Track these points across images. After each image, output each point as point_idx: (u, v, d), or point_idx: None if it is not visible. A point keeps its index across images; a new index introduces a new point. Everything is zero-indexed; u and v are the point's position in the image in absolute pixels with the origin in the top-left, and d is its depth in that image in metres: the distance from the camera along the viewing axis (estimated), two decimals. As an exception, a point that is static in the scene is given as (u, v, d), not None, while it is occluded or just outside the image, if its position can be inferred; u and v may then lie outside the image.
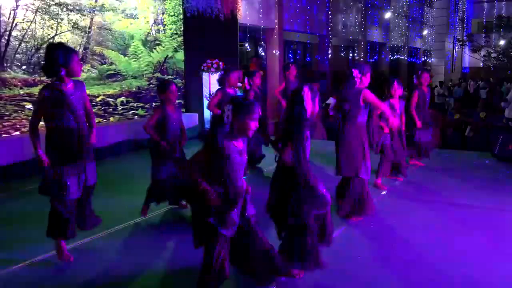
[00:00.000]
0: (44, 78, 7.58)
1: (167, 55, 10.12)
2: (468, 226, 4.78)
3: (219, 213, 2.98)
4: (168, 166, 4.79)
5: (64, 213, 3.74)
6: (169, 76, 10.12)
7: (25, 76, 7.40)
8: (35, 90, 7.40)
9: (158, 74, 9.83)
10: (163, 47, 10.02)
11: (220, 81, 6.56)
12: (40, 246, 4.07)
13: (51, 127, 3.64)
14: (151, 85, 9.68)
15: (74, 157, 3.66)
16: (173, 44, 10.27)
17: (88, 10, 8.30)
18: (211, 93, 10.04)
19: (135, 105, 9.42)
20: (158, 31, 9.92)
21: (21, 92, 7.31)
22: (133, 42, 9.32)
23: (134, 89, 9.42)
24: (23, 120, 7.31)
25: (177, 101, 5.36)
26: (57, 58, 3.49)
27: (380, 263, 3.91)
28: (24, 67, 7.39)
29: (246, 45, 14.64)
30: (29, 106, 7.38)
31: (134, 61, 9.40)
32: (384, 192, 5.94)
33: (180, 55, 10.44)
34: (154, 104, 9.56)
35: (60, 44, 3.71)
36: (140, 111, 9.46)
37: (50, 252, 3.98)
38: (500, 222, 4.94)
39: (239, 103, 2.98)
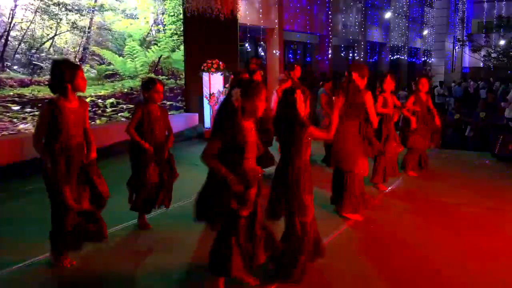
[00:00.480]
0: (40, 78, 7.55)
1: (161, 55, 10.03)
2: (468, 226, 4.78)
3: (239, 196, 3.03)
4: (153, 169, 4.52)
5: (66, 226, 3.71)
6: (163, 77, 10.02)
7: (23, 76, 7.36)
8: (26, 91, 7.34)
9: (152, 75, 9.72)
10: (159, 46, 9.94)
11: (232, 85, 6.42)
12: (40, 246, 4.07)
13: (51, 141, 3.67)
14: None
15: (72, 171, 3.69)
16: (170, 44, 10.20)
17: (87, 10, 8.28)
18: (211, 93, 10.04)
19: (124, 106, 9.17)
20: (158, 31, 9.92)
21: (11, 93, 7.21)
22: (128, 43, 9.23)
23: (126, 90, 9.24)
24: (6, 123, 7.15)
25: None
26: (63, 74, 3.58)
27: (380, 263, 3.91)
28: (16, 67, 7.31)
29: (246, 45, 14.65)
30: (16, 107, 7.25)
31: (130, 61, 9.33)
32: (384, 192, 5.94)
33: (177, 55, 10.38)
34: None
35: (65, 60, 3.80)
36: (126, 113, 9.16)
37: (50, 252, 3.98)
38: (500, 222, 4.94)
39: (246, 84, 3.06)
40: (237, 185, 3.01)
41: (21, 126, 7.33)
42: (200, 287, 3.51)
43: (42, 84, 7.58)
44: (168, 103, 10.16)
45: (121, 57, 9.11)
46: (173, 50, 10.29)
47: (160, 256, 4.08)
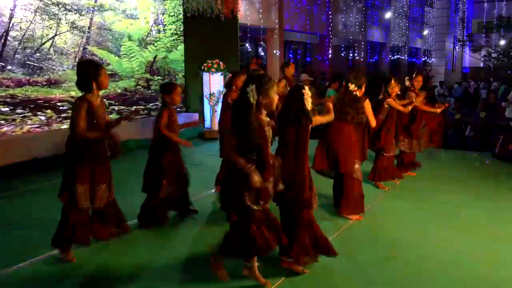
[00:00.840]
0: (39, 79, 7.47)
1: (156, 55, 9.81)
2: (468, 226, 4.78)
3: (256, 190, 3.11)
4: (173, 179, 4.69)
5: (73, 223, 3.84)
6: (159, 77, 9.85)
7: (22, 76, 7.25)
8: (20, 92, 7.19)
9: (147, 75, 9.57)
10: (155, 46, 9.79)
11: (228, 84, 6.45)
12: (40, 246, 4.07)
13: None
14: (138, 87, 9.32)
15: (93, 166, 3.87)
16: (167, 44, 10.03)
17: (86, 10, 8.24)
18: (211, 92, 10.04)
19: (116, 108, 8.86)
20: (158, 31, 9.90)
21: (3, 94, 7.04)
22: (124, 42, 9.05)
23: (119, 90, 9.01)
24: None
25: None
26: (88, 73, 3.81)
27: (380, 263, 3.91)
28: (10, 67, 7.16)
29: (247, 45, 14.65)
30: (5, 109, 7.03)
31: (127, 61, 9.14)
32: (384, 192, 5.94)
33: (174, 55, 10.23)
34: (135, 107, 9.20)
35: (90, 60, 4.10)
36: (114, 115, 8.62)
37: (50, 252, 3.98)
38: (500, 222, 4.93)
39: (261, 79, 3.13)
40: (257, 175, 3.07)
41: (5, 128, 7.02)
42: (201, 284, 3.52)
43: (39, 84, 7.50)
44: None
45: (117, 57, 8.95)
46: (170, 50, 10.14)
47: (161, 255, 4.07)
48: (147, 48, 9.62)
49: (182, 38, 10.36)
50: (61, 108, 7.76)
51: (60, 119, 7.76)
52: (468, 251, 4.15)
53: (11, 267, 3.78)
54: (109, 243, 4.25)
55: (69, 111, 7.75)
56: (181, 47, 10.38)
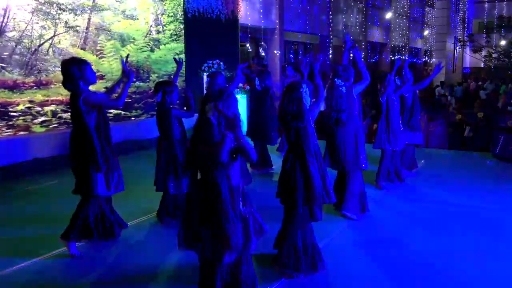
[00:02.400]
0: (27, 80, 7.31)
1: (128, 55, 9.15)
2: (468, 226, 4.78)
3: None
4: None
5: (90, 215, 4.00)
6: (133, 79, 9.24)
7: (19, 77, 7.11)
8: None
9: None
10: (136, 45, 9.34)
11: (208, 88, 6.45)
12: (40, 247, 4.08)
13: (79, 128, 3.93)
14: (103, 89, 7.88)
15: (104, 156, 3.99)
16: (149, 43, 9.61)
17: (81, 9, 8.11)
18: (212, 93, 10.02)
19: (64, 115, 7.73)
20: (157, 31, 9.87)
21: None
22: (100, 41, 8.57)
23: None
24: None
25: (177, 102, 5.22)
26: (74, 73, 3.78)
27: (380, 263, 3.91)
28: (5, 67, 6.95)
29: (247, 45, 14.66)
30: None
31: (105, 60, 8.65)
32: (384, 192, 5.93)
33: (156, 55, 9.81)
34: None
35: (73, 59, 3.98)
36: (38, 128, 7.38)
37: (49, 253, 3.98)
38: (500, 222, 4.93)
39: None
40: None
41: None
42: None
43: (26, 85, 7.24)
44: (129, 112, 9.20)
45: (95, 56, 8.44)
46: (151, 50, 9.68)
47: (161, 256, 4.07)
48: (127, 48, 9.06)
49: (181, 38, 10.35)
50: (12, 113, 7.01)
51: (5, 127, 6.90)
52: (468, 251, 4.15)
53: (11, 267, 3.79)
54: (110, 243, 4.25)
55: (22, 118, 7.14)
56: (163, 46, 9.92)
